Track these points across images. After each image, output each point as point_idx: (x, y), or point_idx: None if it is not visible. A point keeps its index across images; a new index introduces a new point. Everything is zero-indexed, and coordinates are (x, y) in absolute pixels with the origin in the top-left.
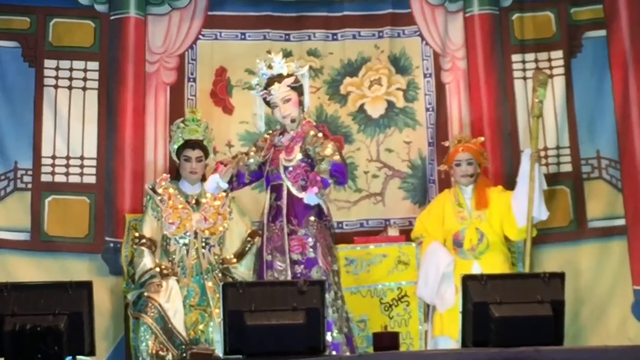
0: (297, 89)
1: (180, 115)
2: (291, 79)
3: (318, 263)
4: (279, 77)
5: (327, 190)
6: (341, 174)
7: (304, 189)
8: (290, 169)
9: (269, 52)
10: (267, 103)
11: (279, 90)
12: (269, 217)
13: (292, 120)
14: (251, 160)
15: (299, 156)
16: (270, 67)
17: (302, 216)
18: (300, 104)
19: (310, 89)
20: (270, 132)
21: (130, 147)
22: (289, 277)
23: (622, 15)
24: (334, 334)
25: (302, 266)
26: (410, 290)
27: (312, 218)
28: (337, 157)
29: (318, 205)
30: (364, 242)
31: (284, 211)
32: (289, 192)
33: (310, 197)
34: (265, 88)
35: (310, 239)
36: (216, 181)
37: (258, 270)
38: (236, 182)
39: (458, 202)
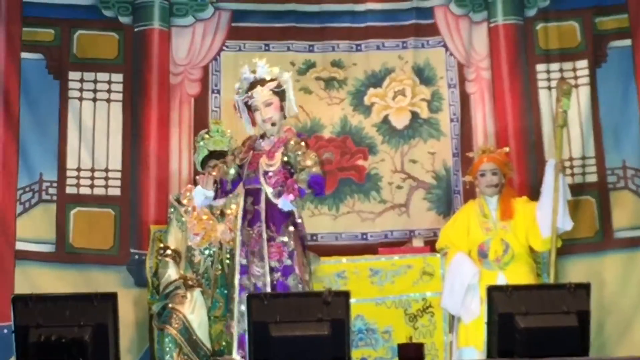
0: (279, 93)
1: (204, 127)
2: (274, 83)
3: (295, 270)
4: (262, 81)
5: (303, 199)
6: (319, 185)
7: (280, 195)
8: (270, 174)
9: (292, 63)
10: (249, 107)
11: (261, 94)
12: (244, 221)
13: (273, 124)
14: (232, 171)
15: (280, 162)
16: (253, 71)
17: (280, 223)
18: (282, 109)
19: (334, 100)
20: (248, 138)
21: (154, 158)
22: (268, 283)
23: None
24: None
25: (279, 273)
26: (435, 301)
27: (290, 226)
28: (316, 169)
29: (293, 214)
30: (388, 253)
31: (263, 216)
32: (267, 197)
33: (284, 202)
34: (247, 92)
35: (287, 247)
36: (202, 193)
37: (231, 274)
38: (220, 190)
39: (483, 213)
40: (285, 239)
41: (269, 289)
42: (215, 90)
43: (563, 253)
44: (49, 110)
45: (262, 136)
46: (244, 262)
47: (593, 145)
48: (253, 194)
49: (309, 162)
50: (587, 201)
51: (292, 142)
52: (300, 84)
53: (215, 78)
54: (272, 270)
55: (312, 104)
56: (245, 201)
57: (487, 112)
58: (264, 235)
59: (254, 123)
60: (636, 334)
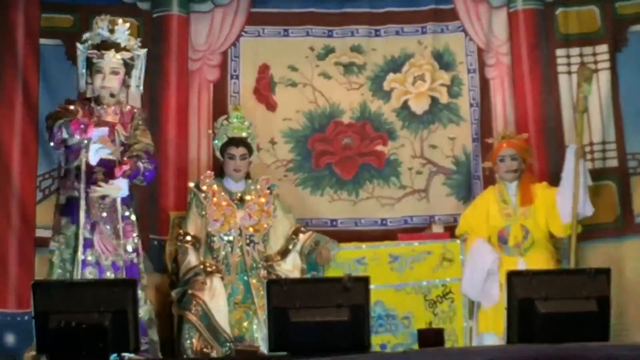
0: (128, 66)
1: (223, 113)
2: (128, 54)
3: (140, 252)
4: (117, 46)
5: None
6: (152, 163)
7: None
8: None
9: (311, 48)
10: (89, 63)
11: (112, 59)
12: (89, 184)
13: (112, 95)
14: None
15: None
16: (112, 31)
17: (130, 200)
18: (124, 82)
19: (353, 85)
20: (75, 102)
21: (173, 144)
22: (127, 262)
23: None
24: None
25: (134, 254)
26: (455, 287)
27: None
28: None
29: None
30: (408, 239)
31: None
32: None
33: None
34: (98, 49)
35: (135, 227)
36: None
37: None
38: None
39: (503, 199)
40: (134, 218)
41: (123, 269)
42: (234, 76)
43: (583, 238)
44: (68, 96)
45: (97, 102)
46: (88, 235)
47: (613, 130)
48: (105, 166)
49: (145, 140)
50: (607, 186)
51: (139, 114)
52: (320, 69)
53: (234, 64)
54: (126, 250)
55: (331, 89)
56: (92, 170)
57: (507, 97)
58: (120, 212)
59: None
60: None
